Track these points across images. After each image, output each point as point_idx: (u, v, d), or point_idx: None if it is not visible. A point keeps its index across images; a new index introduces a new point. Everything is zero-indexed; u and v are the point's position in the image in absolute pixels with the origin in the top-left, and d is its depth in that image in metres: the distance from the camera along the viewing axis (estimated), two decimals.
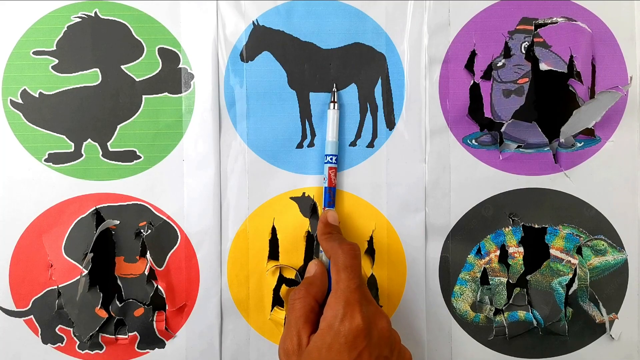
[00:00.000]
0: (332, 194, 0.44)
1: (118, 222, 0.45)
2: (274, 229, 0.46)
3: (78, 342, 0.45)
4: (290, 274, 0.45)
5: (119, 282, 0.45)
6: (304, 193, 0.45)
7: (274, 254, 0.46)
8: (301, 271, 0.45)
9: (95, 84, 0.45)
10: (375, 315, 0.37)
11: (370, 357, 0.36)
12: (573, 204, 0.45)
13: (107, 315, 0.45)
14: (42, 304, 0.45)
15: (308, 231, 0.45)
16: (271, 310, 0.46)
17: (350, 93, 0.45)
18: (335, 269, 0.38)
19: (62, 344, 0.46)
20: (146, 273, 0.45)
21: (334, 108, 0.44)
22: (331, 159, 0.44)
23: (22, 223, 0.45)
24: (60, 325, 0.45)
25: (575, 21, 0.44)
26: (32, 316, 0.45)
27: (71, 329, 0.45)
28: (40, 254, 0.45)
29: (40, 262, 0.45)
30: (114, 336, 0.45)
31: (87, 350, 0.46)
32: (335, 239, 0.40)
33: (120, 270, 0.45)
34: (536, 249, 0.46)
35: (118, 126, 0.45)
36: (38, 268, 0.45)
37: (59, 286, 0.45)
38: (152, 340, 0.46)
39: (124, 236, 0.45)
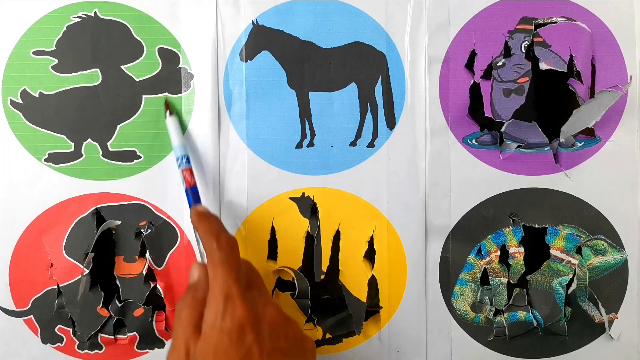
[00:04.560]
0: (194, 193, 0.42)
1: (119, 222, 0.45)
2: (273, 229, 0.45)
3: (77, 342, 0.45)
4: (288, 277, 0.45)
5: (117, 282, 0.45)
6: (303, 193, 0.45)
7: (273, 254, 0.46)
8: (300, 271, 0.45)
9: (95, 84, 0.45)
10: (264, 306, 0.34)
11: (261, 351, 0.32)
12: (573, 204, 0.45)
13: (108, 314, 0.45)
14: (42, 303, 0.45)
15: (307, 231, 0.45)
16: None
17: (350, 92, 0.45)
18: (211, 266, 0.34)
19: (61, 344, 0.46)
20: (144, 273, 0.45)
21: (169, 115, 0.44)
22: (181, 160, 0.42)
23: (22, 223, 0.45)
24: (59, 325, 0.45)
25: (575, 21, 0.44)
26: (31, 316, 0.45)
27: (70, 329, 0.45)
28: (40, 254, 0.45)
29: (40, 262, 0.45)
30: (113, 336, 0.45)
31: (86, 350, 0.46)
32: (212, 233, 0.36)
33: (119, 270, 0.45)
34: (536, 249, 0.46)
35: (118, 126, 0.45)
36: (38, 268, 0.45)
37: (60, 285, 0.45)
38: (151, 340, 0.46)
39: (124, 236, 0.45)
